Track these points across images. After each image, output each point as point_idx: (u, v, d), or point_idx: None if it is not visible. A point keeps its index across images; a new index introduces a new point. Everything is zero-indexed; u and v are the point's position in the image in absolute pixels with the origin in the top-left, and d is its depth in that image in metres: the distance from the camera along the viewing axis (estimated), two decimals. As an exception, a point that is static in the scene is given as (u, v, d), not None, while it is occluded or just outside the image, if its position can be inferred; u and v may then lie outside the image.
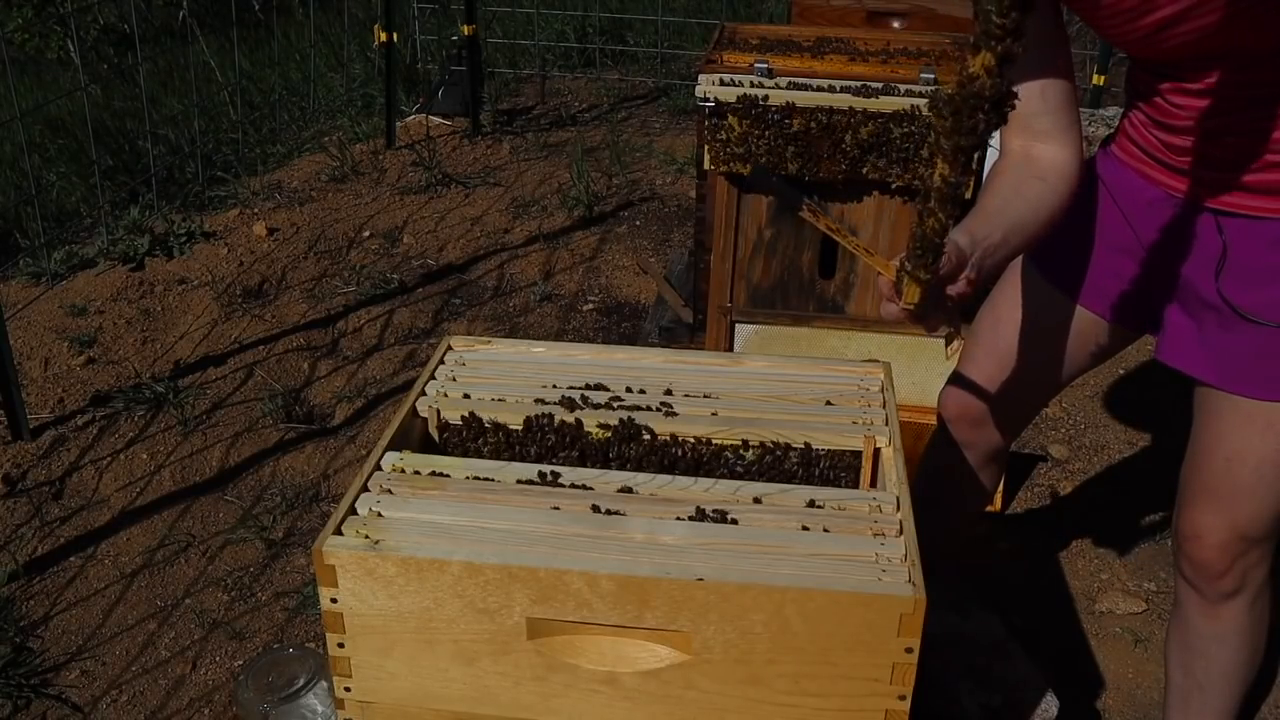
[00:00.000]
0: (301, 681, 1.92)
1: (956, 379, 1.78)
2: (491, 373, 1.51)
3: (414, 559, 1.13)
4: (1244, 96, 1.33)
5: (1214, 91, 1.35)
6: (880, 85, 2.24)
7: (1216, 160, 1.40)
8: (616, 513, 1.20)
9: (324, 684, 1.92)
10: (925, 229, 1.21)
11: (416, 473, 1.28)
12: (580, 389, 1.45)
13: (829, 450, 1.38)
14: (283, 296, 3.47)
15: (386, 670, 1.20)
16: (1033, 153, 1.45)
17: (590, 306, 3.49)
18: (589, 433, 1.39)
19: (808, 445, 1.38)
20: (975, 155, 1.19)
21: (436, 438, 1.43)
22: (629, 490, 1.25)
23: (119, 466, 2.70)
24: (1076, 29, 5.58)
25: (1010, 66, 1.08)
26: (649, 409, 1.41)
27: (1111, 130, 1.59)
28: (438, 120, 4.75)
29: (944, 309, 1.33)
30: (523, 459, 1.39)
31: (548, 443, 1.39)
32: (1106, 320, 1.64)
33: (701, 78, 2.27)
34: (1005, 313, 1.71)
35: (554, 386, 1.46)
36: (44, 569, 2.40)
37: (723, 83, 2.25)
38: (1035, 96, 1.41)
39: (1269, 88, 1.31)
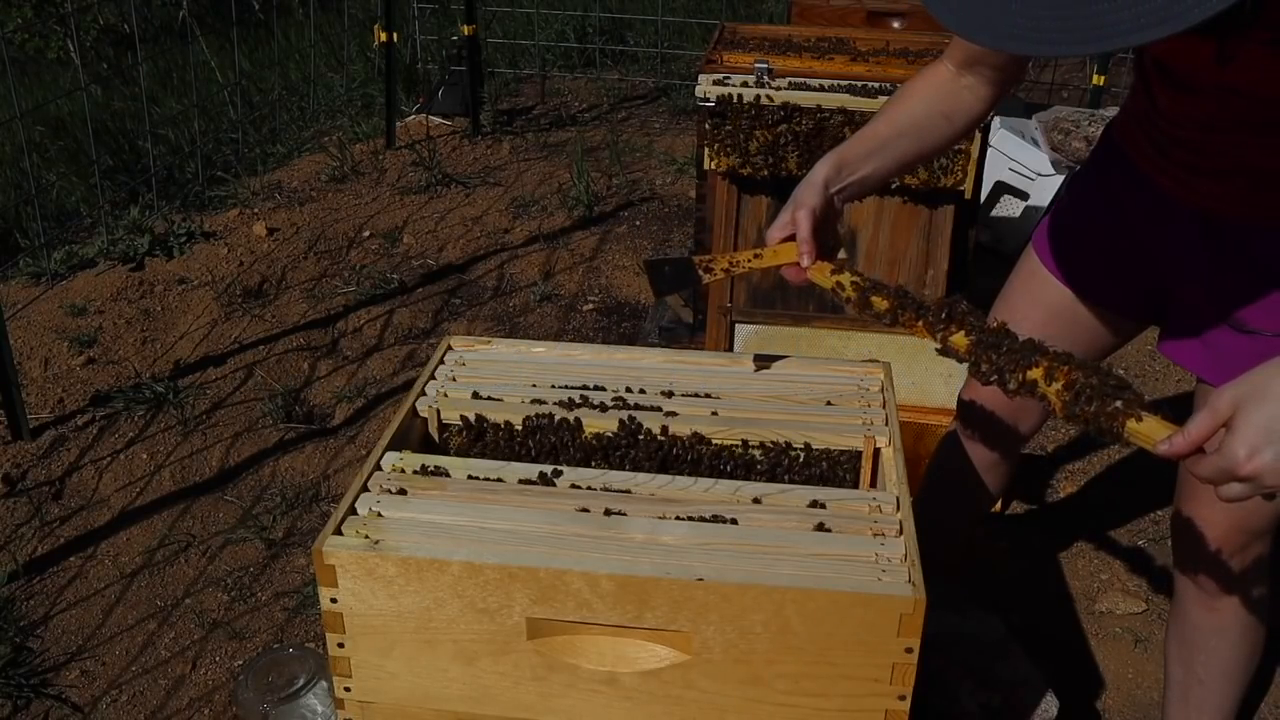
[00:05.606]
0: (301, 681, 1.92)
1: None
2: (491, 373, 1.51)
3: (414, 559, 1.13)
4: (1235, 121, 1.33)
5: (1206, 108, 1.35)
6: (879, 85, 2.25)
7: (1209, 170, 1.40)
8: (616, 513, 1.20)
9: (324, 684, 1.92)
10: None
11: (417, 473, 1.28)
12: (580, 389, 1.45)
13: (829, 450, 1.38)
14: (283, 296, 3.47)
15: (386, 670, 1.20)
16: (962, 83, 1.49)
17: (590, 306, 3.49)
18: (589, 433, 1.39)
19: (808, 445, 1.38)
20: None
21: (436, 438, 1.43)
22: (629, 490, 1.25)
23: (119, 466, 2.70)
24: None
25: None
26: (649, 409, 1.41)
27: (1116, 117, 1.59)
28: (438, 120, 4.74)
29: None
30: (523, 459, 1.39)
31: (548, 443, 1.39)
32: (1115, 314, 1.63)
33: (702, 78, 2.27)
34: (1020, 312, 1.70)
35: (554, 387, 1.46)
36: (44, 569, 2.40)
37: (723, 83, 2.25)
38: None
39: (1259, 117, 1.31)
